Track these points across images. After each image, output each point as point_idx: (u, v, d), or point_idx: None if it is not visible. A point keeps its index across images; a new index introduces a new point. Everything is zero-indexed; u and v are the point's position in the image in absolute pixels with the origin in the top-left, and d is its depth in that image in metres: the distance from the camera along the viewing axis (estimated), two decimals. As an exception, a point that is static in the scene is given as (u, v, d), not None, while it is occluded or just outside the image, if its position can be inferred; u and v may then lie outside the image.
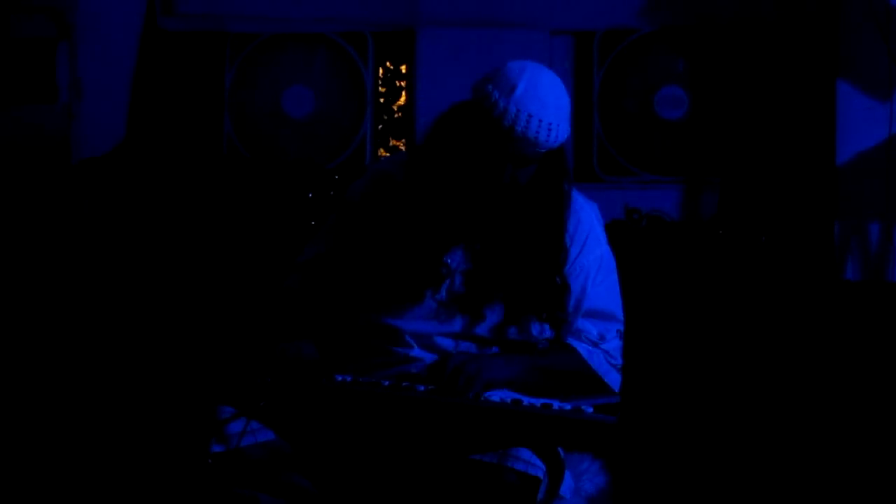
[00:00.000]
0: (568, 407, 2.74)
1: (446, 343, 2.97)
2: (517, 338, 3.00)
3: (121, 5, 4.80)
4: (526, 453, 2.76)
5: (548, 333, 3.04)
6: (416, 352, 2.97)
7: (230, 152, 4.84)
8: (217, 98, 4.86)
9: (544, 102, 2.87)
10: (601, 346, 3.03)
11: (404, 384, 2.83)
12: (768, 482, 3.84)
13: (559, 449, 2.87)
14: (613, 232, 4.44)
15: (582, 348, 3.02)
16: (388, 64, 4.93)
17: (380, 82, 4.92)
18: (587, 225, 3.07)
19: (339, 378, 2.82)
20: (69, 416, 4.09)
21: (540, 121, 2.86)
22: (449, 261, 2.97)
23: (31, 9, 4.69)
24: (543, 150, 2.91)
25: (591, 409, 2.73)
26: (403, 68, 4.92)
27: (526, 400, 2.77)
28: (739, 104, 4.68)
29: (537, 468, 2.76)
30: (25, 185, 4.57)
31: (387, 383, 2.82)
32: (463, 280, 2.98)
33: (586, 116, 4.80)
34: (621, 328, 3.07)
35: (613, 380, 3.04)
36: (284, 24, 4.85)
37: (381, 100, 4.92)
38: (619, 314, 3.07)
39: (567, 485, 2.95)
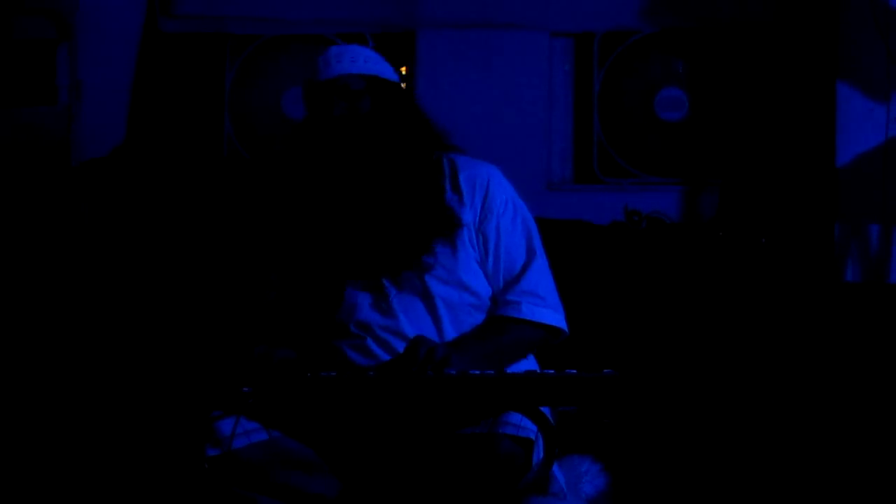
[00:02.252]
0: (551, 372, 2.76)
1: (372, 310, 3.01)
2: (451, 297, 3.03)
3: (121, 7, 4.80)
4: (515, 417, 2.80)
5: (481, 287, 3.07)
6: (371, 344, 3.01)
7: (230, 154, 4.84)
8: (217, 99, 4.87)
9: (333, 47, 3.15)
10: (524, 288, 3.07)
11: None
12: (768, 484, 3.84)
13: (548, 412, 2.90)
14: (613, 234, 4.47)
15: (510, 311, 3.06)
16: (388, 65, 4.93)
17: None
18: (485, 175, 3.15)
19: (324, 374, 2.85)
20: (65, 421, 4.09)
21: (332, 54, 3.11)
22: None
23: (32, 11, 4.69)
24: (352, 71, 3.08)
25: (574, 372, 2.76)
26: (404, 69, 4.92)
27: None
28: (739, 106, 4.69)
29: (529, 430, 2.80)
30: (25, 186, 4.57)
31: (371, 373, 2.84)
32: (355, 241, 3.05)
33: (586, 118, 4.80)
34: (541, 262, 3.12)
35: (554, 319, 3.10)
36: (284, 25, 4.86)
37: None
38: (536, 248, 3.13)
39: (563, 481, 2.96)
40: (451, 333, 3.02)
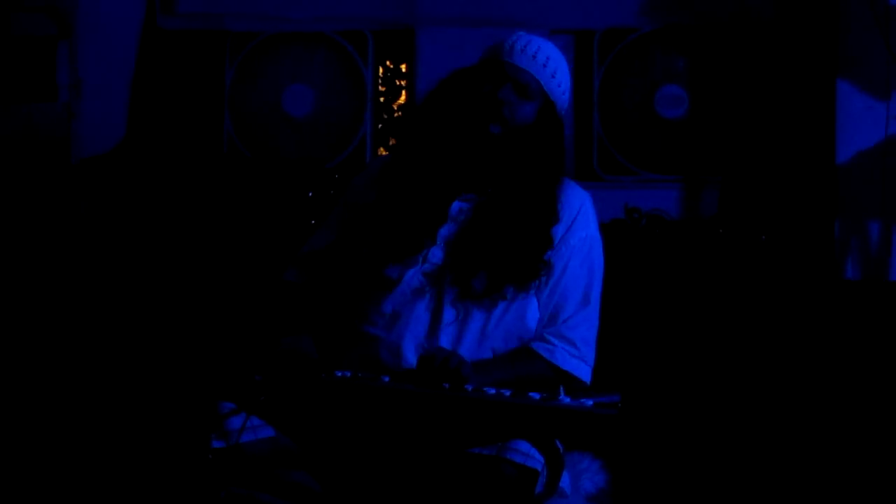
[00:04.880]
0: (567, 400, 2.74)
1: (424, 316, 2.98)
2: (506, 326, 3.00)
3: (121, 5, 4.80)
4: (524, 446, 2.77)
5: (534, 318, 3.04)
6: (405, 346, 2.98)
7: (230, 151, 4.84)
8: (217, 97, 4.87)
9: (545, 41, 3.05)
10: (565, 334, 3.02)
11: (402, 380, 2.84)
12: (768, 481, 3.85)
13: (557, 442, 2.88)
14: (613, 231, 4.47)
15: (543, 350, 3.01)
16: (388, 63, 4.93)
17: (380, 81, 4.92)
18: (577, 204, 3.11)
19: (339, 374, 2.83)
20: (69, 416, 4.09)
21: (539, 46, 3.02)
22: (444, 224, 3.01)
23: (32, 8, 4.69)
24: (541, 80, 3.00)
25: (591, 403, 2.74)
26: (403, 67, 4.92)
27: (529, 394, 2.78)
28: (739, 103, 4.69)
29: (535, 461, 2.77)
30: (25, 183, 4.57)
31: (386, 379, 2.82)
32: (445, 250, 2.99)
33: (586, 115, 4.80)
34: (592, 313, 3.07)
35: (582, 372, 3.04)
36: (284, 23, 4.86)
37: (381, 99, 4.92)
38: (592, 297, 3.08)
39: (565, 481, 2.95)
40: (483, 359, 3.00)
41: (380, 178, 3.11)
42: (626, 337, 4.05)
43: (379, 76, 4.90)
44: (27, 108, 4.70)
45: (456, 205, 3.03)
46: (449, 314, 2.96)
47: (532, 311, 3.03)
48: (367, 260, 3.01)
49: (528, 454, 2.76)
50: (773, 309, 4.15)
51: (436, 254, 2.99)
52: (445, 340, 2.95)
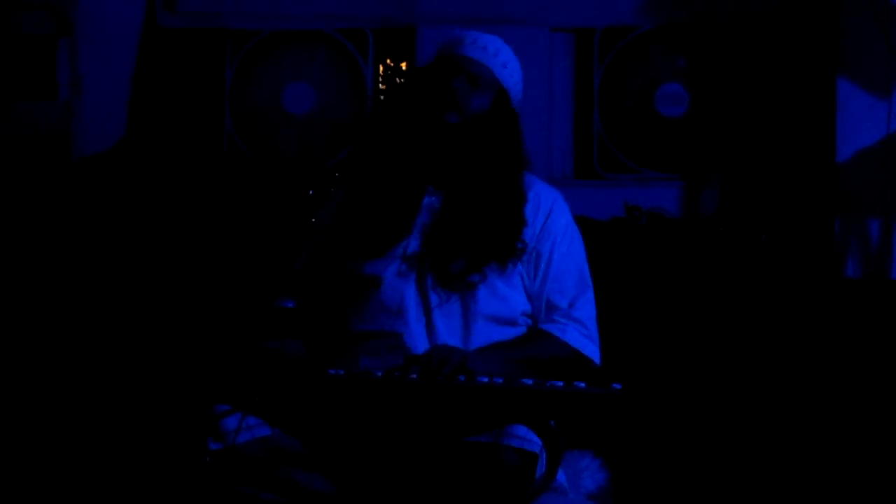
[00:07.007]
0: (560, 384, 2.76)
1: (415, 306, 3.00)
2: (490, 309, 3.01)
3: (121, 3, 4.80)
4: (521, 430, 2.79)
5: (520, 303, 3.05)
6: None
7: (230, 150, 4.84)
8: (217, 95, 4.87)
9: (495, 36, 3.15)
10: (573, 315, 3.06)
11: (396, 374, 2.85)
12: (768, 480, 3.85)
13: (552, 423, 2.89)
14: (614, 229, 4.47)
15: (555, 329, 3.05)
16: (388, 61, 4.93)
17: (380, 79, 4.92)
18: (549, 196, 3.16)
19: (332, 372, 2.84)
20: (66, 416, 4.09)
21: (489, 39, 3.13)
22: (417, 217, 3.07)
23: (32, 6, 4.69)
24: (493, 69, 3.09)
25: (583, 385, 2.75)
26: (404, 65, 4.92)
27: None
28: (740, 101, 4.69)
29: (534, 444, 2.79)
30: (25, 182, 4.57)
31: (379, 374, 2.84)
32: (422, 239, 3.04)
33: (586, 114, 4.80)
34: (591, 294, 3.13)
35: (591, 352, 3.09)
36: (285, 21, 4.86)
37: (382, 97, 4.92)
38: (588, 279, 3.13)
39: (562, 478, 2.96)
40: (475, 346, 3.01)
41: (344, 196, 3.16)
42: (625, 335, 4.05)
43: (379, 74, 4.90)
44: (27, 106, 4.70)
45: (426, 199, 3.07)
46: (434, 299, 2.99)
47: (516, 298, 3.05)
48: (348, 260, 3.06)
49: (526, 438, 2.78)
50: (773, 307, 4.15)
51: (413, 244, 3.04)
52: (440, 323, 2.97)
